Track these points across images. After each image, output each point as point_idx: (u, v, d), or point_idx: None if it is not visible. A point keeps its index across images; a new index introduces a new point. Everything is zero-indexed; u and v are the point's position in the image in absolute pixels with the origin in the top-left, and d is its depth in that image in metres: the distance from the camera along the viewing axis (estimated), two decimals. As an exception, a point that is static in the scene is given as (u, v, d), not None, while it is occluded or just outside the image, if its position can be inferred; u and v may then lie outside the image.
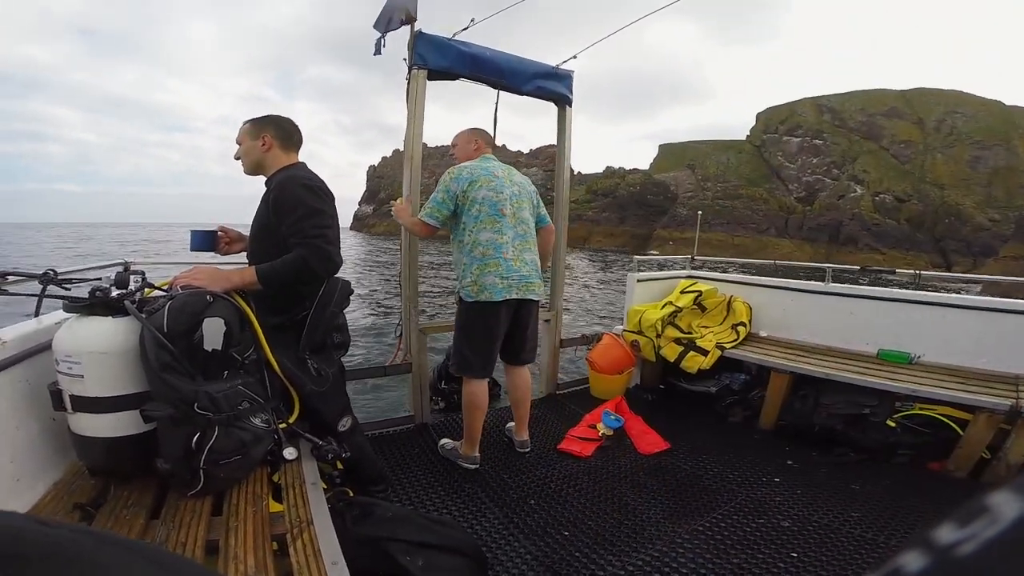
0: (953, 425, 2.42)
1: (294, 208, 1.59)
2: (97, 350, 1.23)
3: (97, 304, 1.29)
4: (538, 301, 2.43)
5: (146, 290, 1.48)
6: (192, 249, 1.96)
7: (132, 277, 1.44)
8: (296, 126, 1.83)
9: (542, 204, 2.55)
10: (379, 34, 2.58)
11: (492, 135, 2.64)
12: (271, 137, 1.75)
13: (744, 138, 55.50)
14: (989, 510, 0.22)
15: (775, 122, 52.62)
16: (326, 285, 1.71)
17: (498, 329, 2.32)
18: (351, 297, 1.85)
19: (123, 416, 1.27)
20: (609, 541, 1.88)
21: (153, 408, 1.23)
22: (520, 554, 1.80)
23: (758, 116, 55.66)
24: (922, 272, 3.28)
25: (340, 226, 1.75)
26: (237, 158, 1.81)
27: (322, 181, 1.71)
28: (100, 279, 1.39)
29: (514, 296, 2.27)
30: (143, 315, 1.27)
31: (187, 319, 1.31)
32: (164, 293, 1.47)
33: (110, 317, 1.29)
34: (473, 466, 2.41)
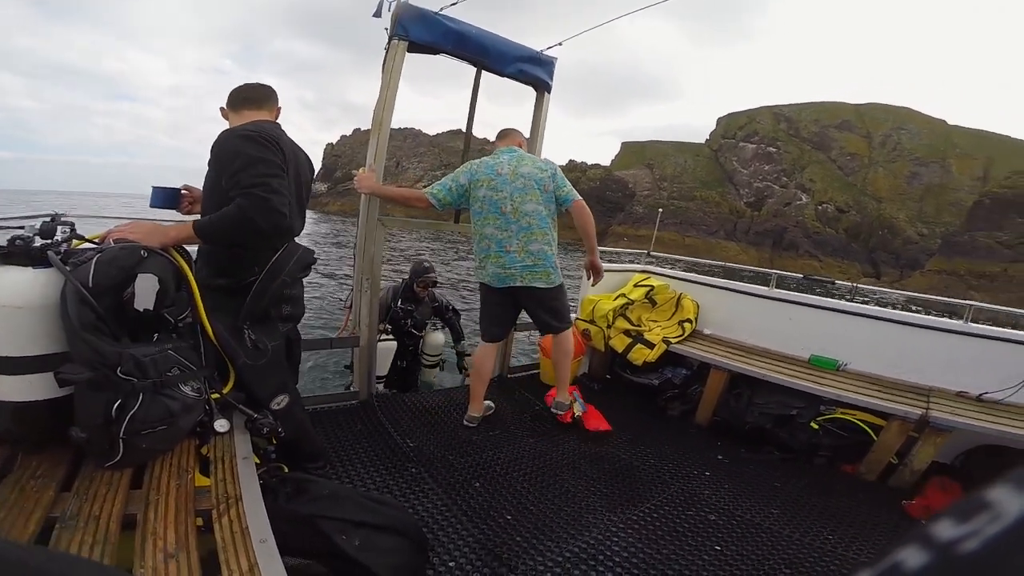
0: (868, 430, 2.61)
1: (232, 159, 1.48)
2: (11, 304, 1.12)
3: (16, 253, 1.17)
4: (545, 288, 2.53)
5: (74, 242, 1.35)
6: (152, 206, 1.83)
7: (60, 228, 1.31)
8: (247, 86, 1.76)
9: (564, 184, 2.52)
10: None
11: (471, 117, 2.82)
12: (224, 108, 1.75)
13: (704, 141, 57.03)
14: (990, 506, 0.22)
15: (734, 128, 54.25)
16: (282, 251, 1.59)
17: (499, 309, 2.67)
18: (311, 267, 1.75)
19: (35, 379, 1.15)
20: (549, 527, 1.92)
21: (70, 371, 1.13)
22: (462, 536, 1.81)
23: (719, 121, 57.27)
24: (859, 285, 3.48)
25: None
26: None
27: (271, 129, 1.61)
28: (22, 227, 1.25)
29: (517, 283, 2.50)
30: (67, 268, 1.16)
31: (116, 273, 1.20)
32: (95, 246, 1.34)
33: (30, 268, 1.16)
34: (469, 424, 2.67)
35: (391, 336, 3.62)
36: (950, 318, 2.90)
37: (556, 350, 2.79)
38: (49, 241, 1.26)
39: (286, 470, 1.61)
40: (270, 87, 1.77)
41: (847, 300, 3.26)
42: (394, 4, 2.50)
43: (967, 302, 2.88)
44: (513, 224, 2.46)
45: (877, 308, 3.13)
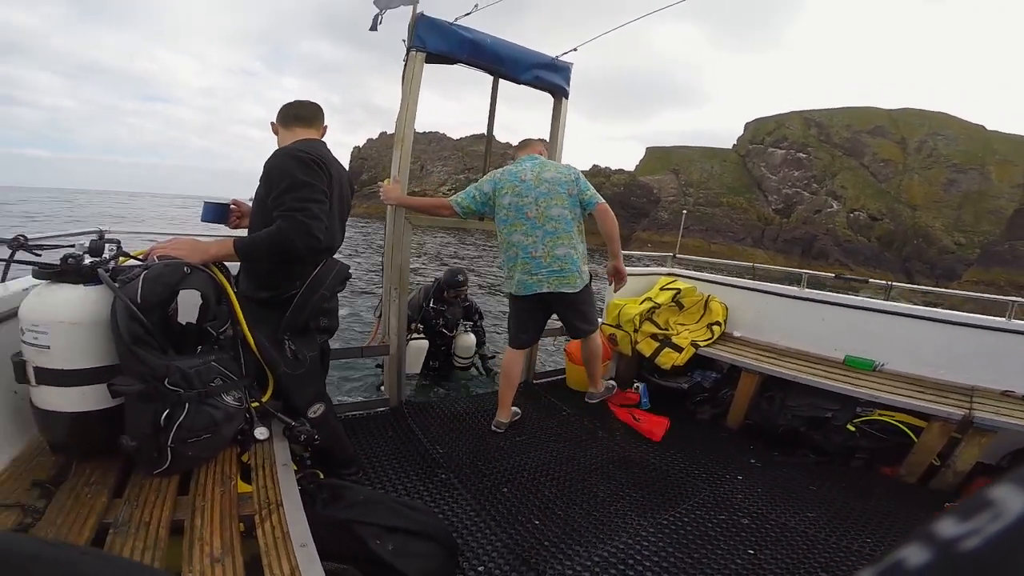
0: (909, 432, 2.52)
1: (280, 180, 1.55)
2: (66, 320, 1.19)
3: (69, 271, 1.24)
4: (573, 293, 2.52)
5: (121, 259, 1.43)
6: (203, 220, 1.92)
7: (107, 245, 1.39)
8: (299, 103, 1.83)
9: (587, 188, 2.54)
10: (377, 10, 2.53)
11: (491, 124, 2.83)
12: (276, 124, 1.82)
13: (731, 147, 56.02)
14: (993, 504, 0.22)
15: (762, 133, 53.12)
16: (321, 266, 1.66)
17: (527, 315, 2.68)
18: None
19: (89, 390, 1.23)
20: (577, 531, 1.92)
21: (121, 383, 1.20)
22: (491, 541, 1.83)
23: (746, 126, 56.22)
24: (894, 284, 3.38)
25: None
26: None
27: (323, 154, 1.67)
28: (73, 246, 1.33)
29: (545, 290, 2.49)
30: (116, 284, 1.23)
31: (162, 290, 1.27)
32: (140, 263, 1.42)
33: (81, 285, 1.24)
34: (497, 430, 2.69)
35: (423, 336, 3.66)
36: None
37: (586, 349, 2.84)
38: (98, 259, 1.33)
39: (322, 476, 1.66)
40: (318, 105, 1.85)
41: (881, 299, 3.17)
42: (383, 16, 2.54)
43: (1010, 298, 2.77)
44: (539, 229, 2.47)
45: (915, 307, 3.03)
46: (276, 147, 1.76)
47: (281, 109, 1.83)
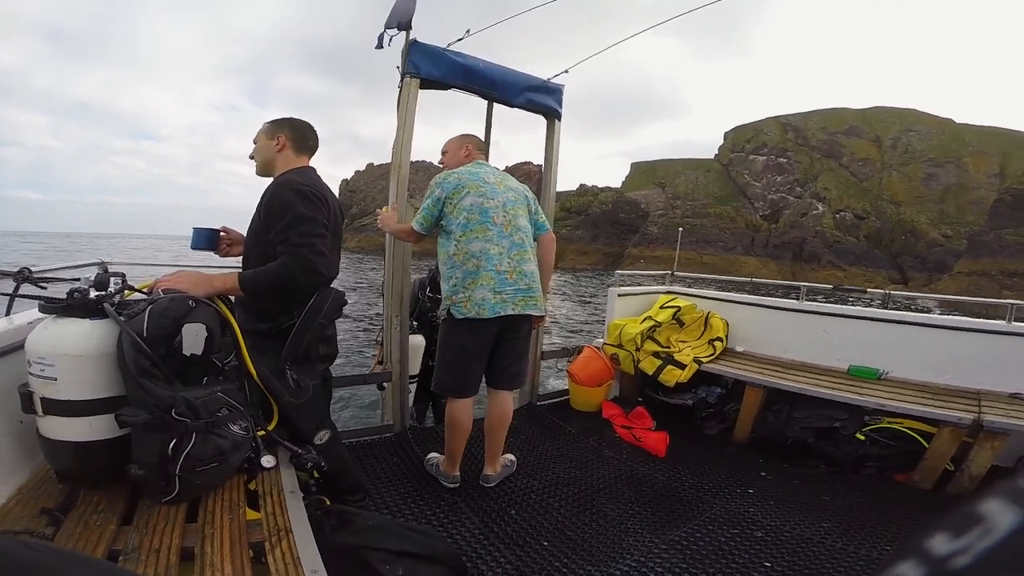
0: (919, 438, 2.51)
1: (283, 213, 1.57)
2: (73, 353, 1.20)
3: (75, 305, 1.26)
4: (538, 316, 2.24)
5: (126, 292, 1.45)
6: (193, 247, 1.92)
7: (112, 279, 1.41)
8: (313, 131, 1.83)
9: (541, 211, 2.38)
10: (384, 29, 2.58)
11: (487, 147, 2.63)
12: (285, 138, 1.76)
13: (713, 156, 56.98)
14: (983, 520, 0.23)
15: (742, 141, 54.19)
16: (317, 295, 1.66)
17: (486, 347, 2.16)
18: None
19: (95, 420, 1.23)
20: (588, 551, 1.89)
21: (129, 413, 1.20)
22: (500, 563, 1.80)
23: (726, 135, 57.40)
24: (892, 292, 3.41)
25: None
26: (252, 157, 1.81)
27: (321, 187, 1.69)
28: (78, 279, 1.35)
29: (510, 311, 2.08)
30: (122, 319, 1.25)
31: (168, 324, 1.28)
32: (144, 296, 1.44)
33: (87, 319, 1.26)
34: (452, 485, 2.31)
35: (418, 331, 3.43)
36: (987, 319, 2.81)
37: (497, 415, 2.31)
38: (103, 293, 1.34)
39: (328, 503, 1.64)
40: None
41: (878, 307, 3.20)
42: (392, 37, 2.59)
43: (1007, 301, 2.79)
44: (506, 239, 2.12)
45: (916, 314, 3.06)
46: (263, 159, 1.77)
47: (298, 127, 1.79)
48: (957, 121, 49.08)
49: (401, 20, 2.54)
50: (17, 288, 1.45)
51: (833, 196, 44.78)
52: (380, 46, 2.62)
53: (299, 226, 1.56)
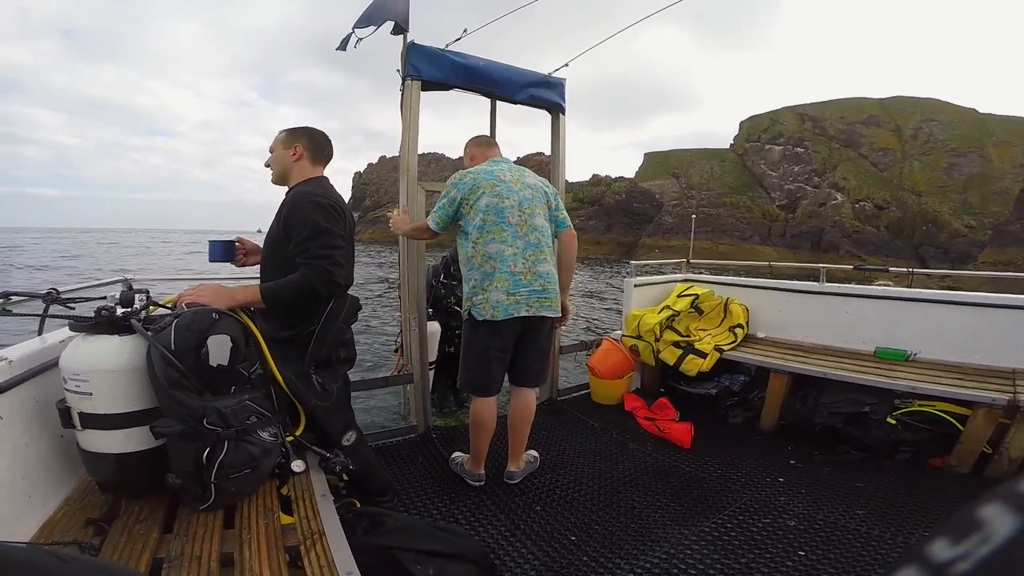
0: (953, 421, 2.44)
1: (302, 226, 1.60)
2: (105, 368, 1.24)
3: (103, 323, 1.30)
4: (553, 317, 2.21)
5: (151, 307, 1.49)
6: (211, 260, 1.96)
7: (136, 295, 1.45)
8: (329, 141, 1.86)
9: (562, 207, 2.33)
10: (350, 31, 2.56)
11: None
12: (303, 148, 1.79)
13: (728, 146, 56.02)
14: (982, 526, 0.23)
15: (757, 130, 53.16)
16: (334, 302, 1.71)
17: (506, 348, 2.16)
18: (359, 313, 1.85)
19: (132, 432, 1.27)
20: (617, 544, 1.89)
21: (163, 424, 1.24)
22: (528, 560, 1.81)
23: (741, 124, 56.36)
24: (915, 271, 3.32)
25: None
26: (267, 165, 1.84)
27: (337, 198, 1.72)
28: (104, 298, 1.39)
29: (523, 313, 2.08)
30: (150, 334, 1.28)
31: (193, 336, 1.32)
32: (169, 311, 1.48)
33: (116, 335, 1.29)
34: (477, 483, 2.32)
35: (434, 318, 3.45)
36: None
37: (520, 412, 2.31)
38: (130, 309, 1.38)
39: (358, 505, 1.67)
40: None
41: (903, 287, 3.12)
42: (356, 40, 2.56)
43: None
44: (520, 239, 2.11)
45: (944, 291, 2.97)
46: (280, 168, 1.80)
47: (315, 137, 1.81)
48: (980, 111, 47.74)
49: (376, 22, 2.52)
50: (47, 309, 1.50)
51: (852, 186, 43.75)
52: (342, 48, 2.58)
53: (318, 238, 1.59)
